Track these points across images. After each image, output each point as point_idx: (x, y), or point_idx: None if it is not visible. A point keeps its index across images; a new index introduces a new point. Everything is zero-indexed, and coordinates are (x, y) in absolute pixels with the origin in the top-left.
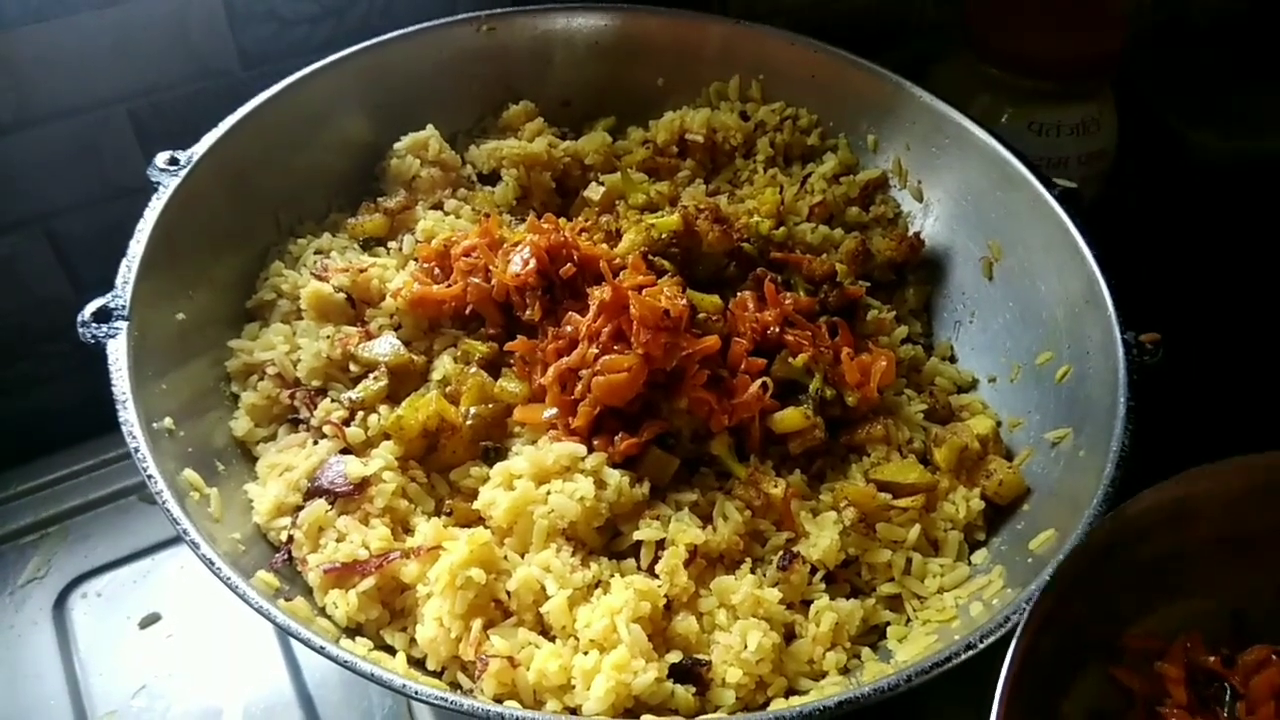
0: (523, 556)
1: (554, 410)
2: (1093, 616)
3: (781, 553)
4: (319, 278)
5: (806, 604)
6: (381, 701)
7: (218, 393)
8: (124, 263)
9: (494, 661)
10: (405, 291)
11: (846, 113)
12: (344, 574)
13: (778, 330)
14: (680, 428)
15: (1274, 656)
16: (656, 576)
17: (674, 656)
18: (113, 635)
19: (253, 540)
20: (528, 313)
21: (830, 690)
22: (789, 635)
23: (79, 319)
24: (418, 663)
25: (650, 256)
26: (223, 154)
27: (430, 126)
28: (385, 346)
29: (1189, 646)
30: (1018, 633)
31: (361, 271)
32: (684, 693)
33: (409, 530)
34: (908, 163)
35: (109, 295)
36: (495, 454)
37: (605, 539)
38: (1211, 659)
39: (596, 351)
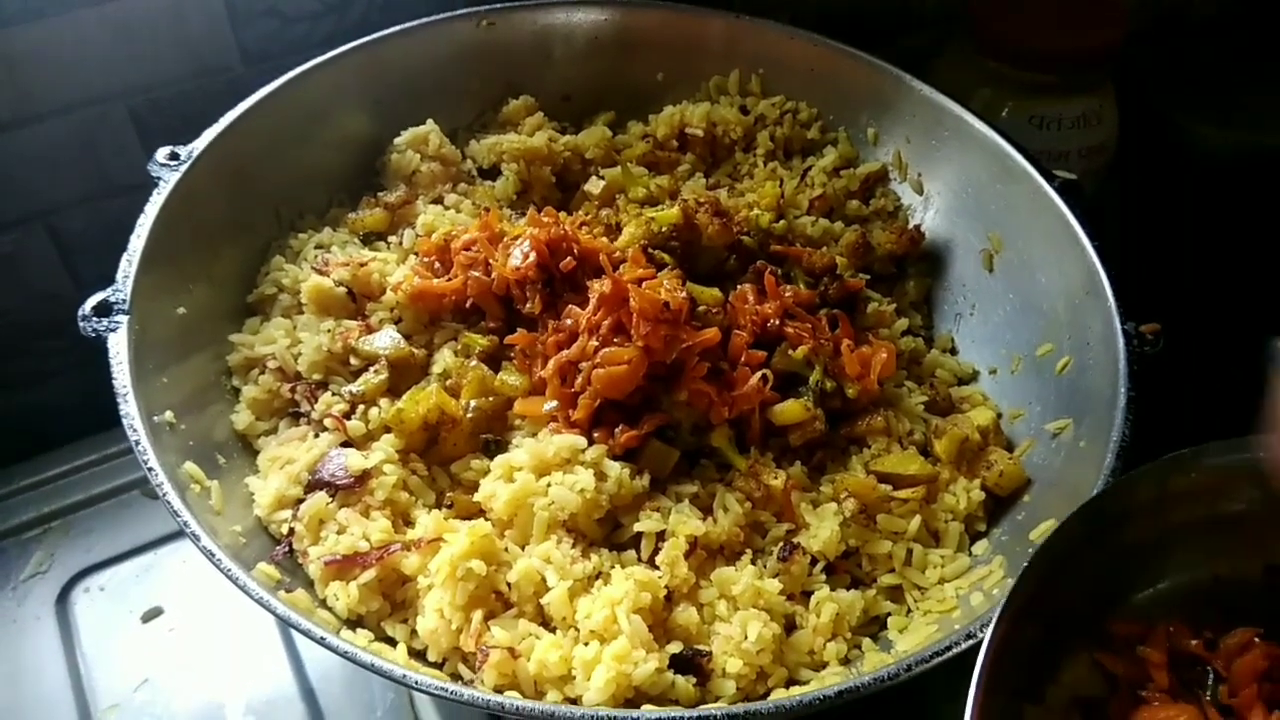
0: (523, 548)
1: (554, 403)
2: (1076, 601)
3: (782, 544)
4: (320, 272)
5: (807, 595)
6: (383, 694)
7: (219, 386)
8: (124, 257)
9: (494, 652)
10: (406, 285)
11: (846, 106)
12: (345, 566)
13: (778, 323)
14: (680, 420)
15: (1256, 640)
16: (657, 568)
17: (674, 647)
18: (115, 629)
19: (254, 533)
20: (528, 306)
21: (831, 680)
22: (789, 626)
23: (80, 313)
24: (418, 654)
25: (650, 250)
26: (223, 149)
27: (430, 121)
28: (386, 340)
29: (1171, 631)
30: (994, 619)
31: (362, 265)
32: (684, 683)
33: (410, 522)
34: (908, 156)
35: (109, 290)
36: (496, 446)
37: (606, 531)
38: (1194, 643)
39: (596, 344)
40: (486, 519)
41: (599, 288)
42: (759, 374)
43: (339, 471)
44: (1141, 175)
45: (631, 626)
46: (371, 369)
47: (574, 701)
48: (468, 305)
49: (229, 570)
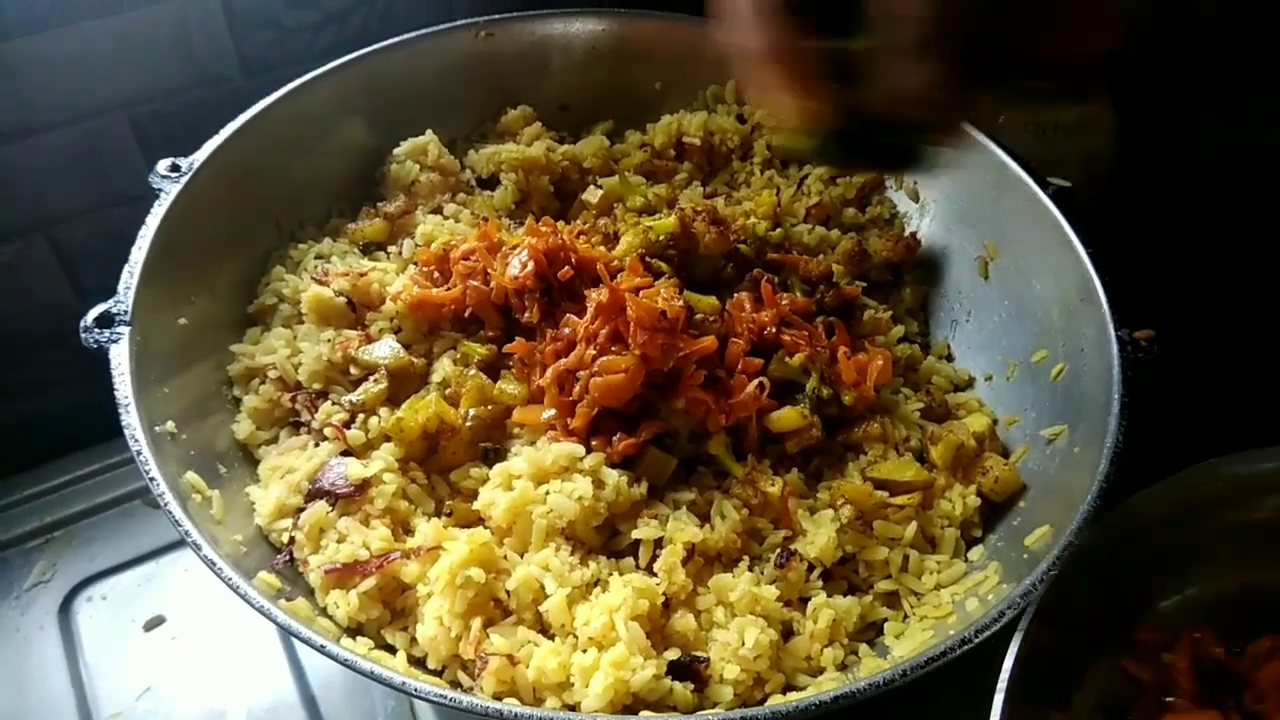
0: (522, 556)
1: (552, 411)
2: (1102, 609)
3: (779, 550)
4: (320, 282)
5: (804, 601)
6: (384, 702)
7: (219, 396)
8: (126, 269)
9: (494, 659)
10: (405, 295)
11: None
12: (345, 574)
13: (774, 330)
14: (678, 428)
15: None
16: (655, 575)
17: (672, 654)
18: (118, 638)
19: (254, 542)
20: (526, 315)
21: (828, 686)
22: (787, 632)
23: (81, 324)
24: (418, 661)
25: (648, 259)
26: (224, 160)
27: (429, 132)
28: (385, 349)
29: (1197, 638)
30: (1021, 627)
31: (362, 276)
32: (682, 689)
33: (409, 531)
34: None
35: (111, 301)
36: (494, 455)
37: (604, 538)
38: (1219, 650)
39: (594, 353)
40: (485, 527)
41: (596, 296)
42: (756, 382)
43: (339, 480)
44: (1140, 181)
45: (629, 633)
46: (371, 378)
47: (573, 708)
48: (466, 315)
49: (230, 579)
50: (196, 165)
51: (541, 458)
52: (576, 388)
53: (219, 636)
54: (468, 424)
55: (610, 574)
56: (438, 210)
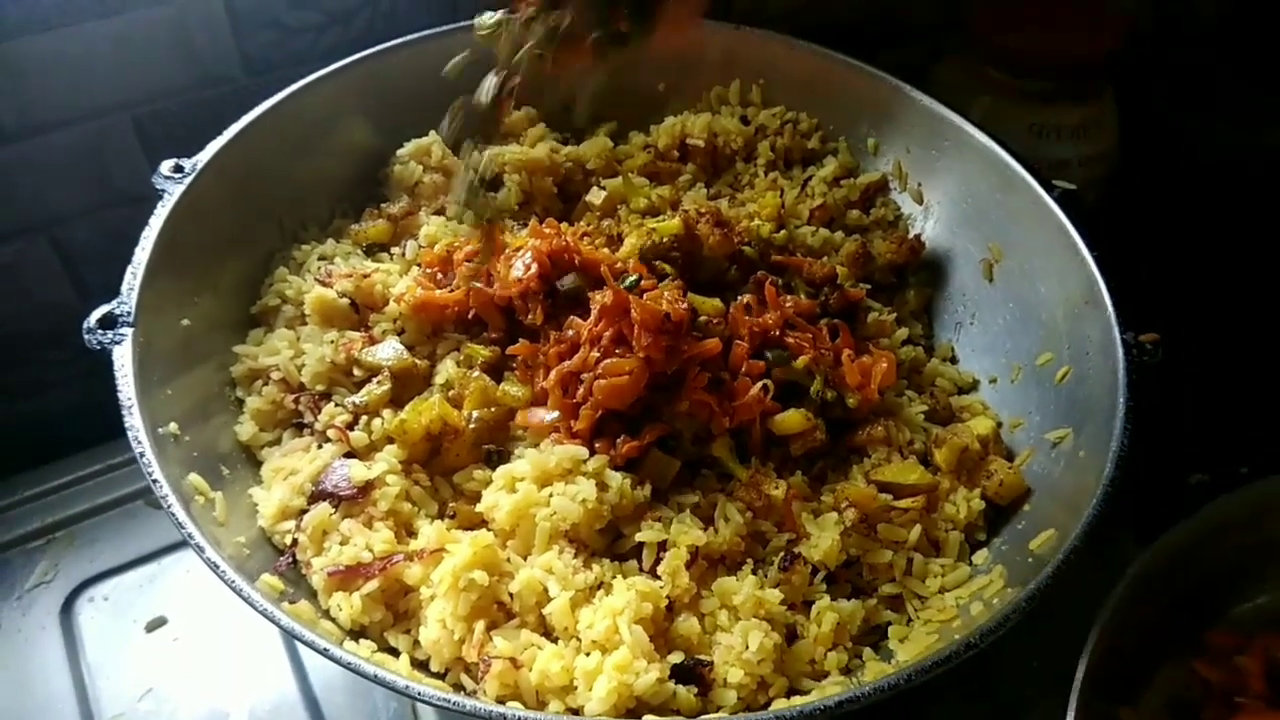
0: (525, 558)
1: (556, 413)
2: (1174, 614)
3: (783, 554)
4: (323, 283)
5: (808, 604)
6: (386, 704)
7: (222, 398)
8: (129, 270)
9: (497, 663)
10: (408, 296)
11: (846, 116)
12: (348, 577)
13: (778, 333)
14: (681, 430)
15: None
16: (658, 578)
17: (676, 657)
18: (119, 639)
19: (257, 544)
20: (529, 317)
21: (831, 690)
22: (790, 636)
23: (84, 325)
24: (421, 664)
25: (652, 260)
26: (227, 161)
27: (433, 133)
28: (388, 351)
29: (1270, 642)
30: (1096, 626)
31: (365, 277)
32: (686, 693)
33: (412, 533)
34: (908, 165)
35: (114, 302)
36: (498, 457)
37: (607, 541)
38: None
39: (598, 355)
40: (489, 529)
41: (600, 298)
42: (760, 384)
43: (342, 482)
44: (1143, 182)
45: (633, 637)
46: (374, 380)
47: (576, 712)
48: (470, 316)
49: (233, 582)
50: (199, 166)
51: (545, 460)
52: (580, 390)
53: (221, 637)
54: (471, 426)
55: (614, 577)
56: (441, 211)
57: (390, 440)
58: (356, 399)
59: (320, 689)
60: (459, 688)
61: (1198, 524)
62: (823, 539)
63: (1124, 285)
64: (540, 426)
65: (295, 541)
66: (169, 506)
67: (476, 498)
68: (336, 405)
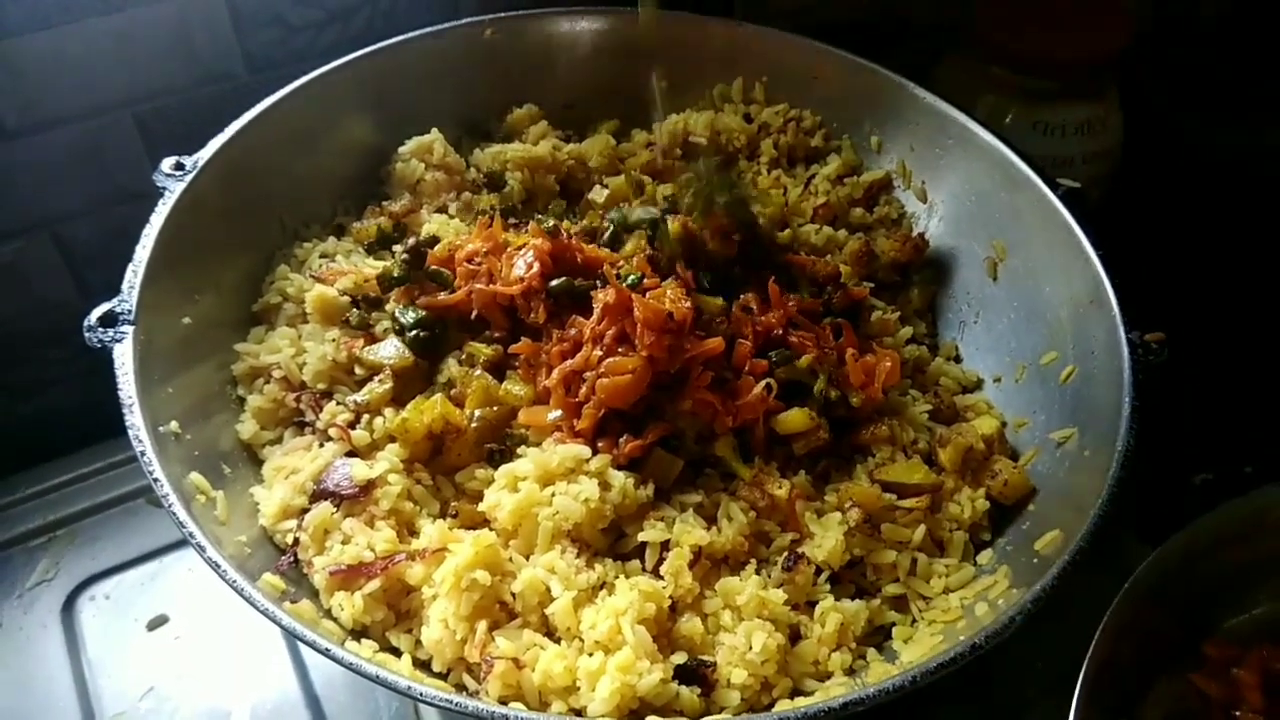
0: (528, 558)
1: (559, 412)
2: (1171, 625)
3: (786, 554)
4: (323, 281)
5: (811, 605)
6: (388, 703)
7: (224, 396)
8: (130, 268)
9: (499, 663)
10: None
11: (850, 114)
12: (349, 576)
13: (782, 332)
14: (684, 429)
15: None
16: (661, 578)
17: (679, 658)
18: (121, 637)
19: (259, 543)
20: (532, 316)
21: (835, 691)
22: (794, 636)
23: (85, 324)
24: (423, 664)
25: (656, 258)
26: (228, 159)
27: (435, 130)
28: (390, 350)
29: (1265, 655)
30: (1095, 640)
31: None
32: (689, 694)
33: (414, 532)
34: (911, 164)
35: (115, 300)
36: (500, 456)
37: (610, 540)
38: None
39: (601, 354)
40: (491, 529)
41: (603, 297)
42: (763, 383)
43: (344, 481)
44: (1147, 181)
45: (636, 637)
46: (376, 378)
47: (579, 712)
48: (473, 315)
49: (234, 581)
50: (200, 163)
51: (547, 459)
52: (583, 389)
53: (222, 636)
54: (473, 425)
55: (616, 577)
56: (443, 209)
57: (392, 439)
58: (358, 397)
59: (322, 688)
60: (461, 688)
61: (1194, 536)
62: (826, 539)
63: (1129, 284)
64: (543, 425)
65: (297, 541)
66: (170, 505)
67: (478, 497)
68: (338, 404)
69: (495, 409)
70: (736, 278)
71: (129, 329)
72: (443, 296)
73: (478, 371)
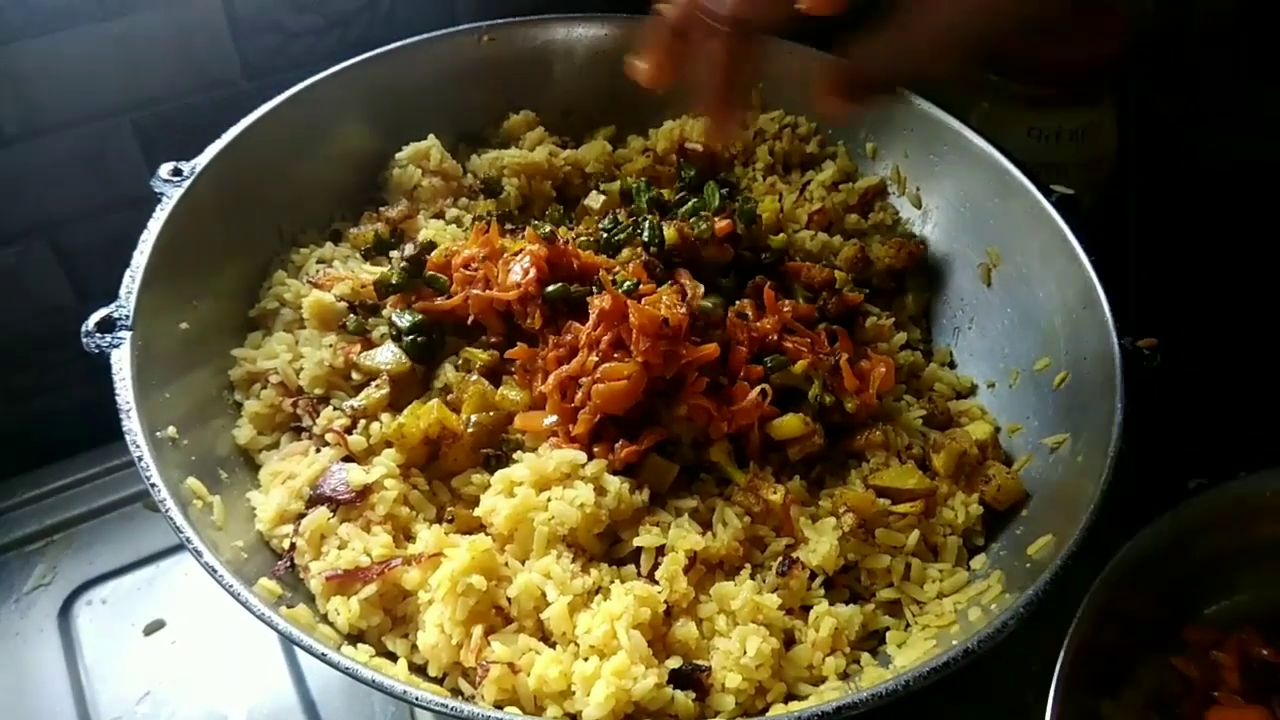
0: (523, 563)
1: (554, 418)
2: (1153, 610)
3: (781, 558)
4: (320, 286)
5: (806, 609)
6: (384, 708)
7: (221, 401)
8: (127, 273)
9: (495, 668)
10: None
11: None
12: (346, 581)
13: (777, 337)
14: (680, 435)
15: None
16: (656, 583)
17: (674, 662)
18: (117, 642)
19: (255, 548)
20: (528, 321)
21: (829, 696)
22: (788, 641)
23: (83, 329)
24: (419, 669)
25: (653, 264)
26: (226, 165)
27: (432, 136)
28: (387, 355)
29: (1245, 638)
30: (1075, 621)
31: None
32: (684, 698)
33: (410, 537)
34: (906, 170)
35: (113, 305)
36: (496, 461)
37: (605, 545)
38: (1266, 651)
39: (596, 359)
40: (487, 534)
41: (599, 303)
42: (758, 389)
43: (340, 486)
44: (1141, 188)
45: (631, 642)
46: (373, 384)
47: (574, 717)
48: (469, 321)
49: (231, 586)
50: (198, 169)
51: (543, 464)
52: (578, 394)
53: (219, 641)
54: (469, 430)
55: (612, 582)
56: (440, 215)
57: (388, 444)
58: (355, 403)
59: (318, 693)
60: (457, 692)
61: (1176, 522)
62: (821, 544)
63: (1122, 290)
64: (539, 431)
65: (293, 545)
66: (167, 510)
67: (475, 502)
68: (335, 409)
69: (491, 414)
70: (731, 283)
71: (126, 334)
72: (439, 302)
73: (474, 377)
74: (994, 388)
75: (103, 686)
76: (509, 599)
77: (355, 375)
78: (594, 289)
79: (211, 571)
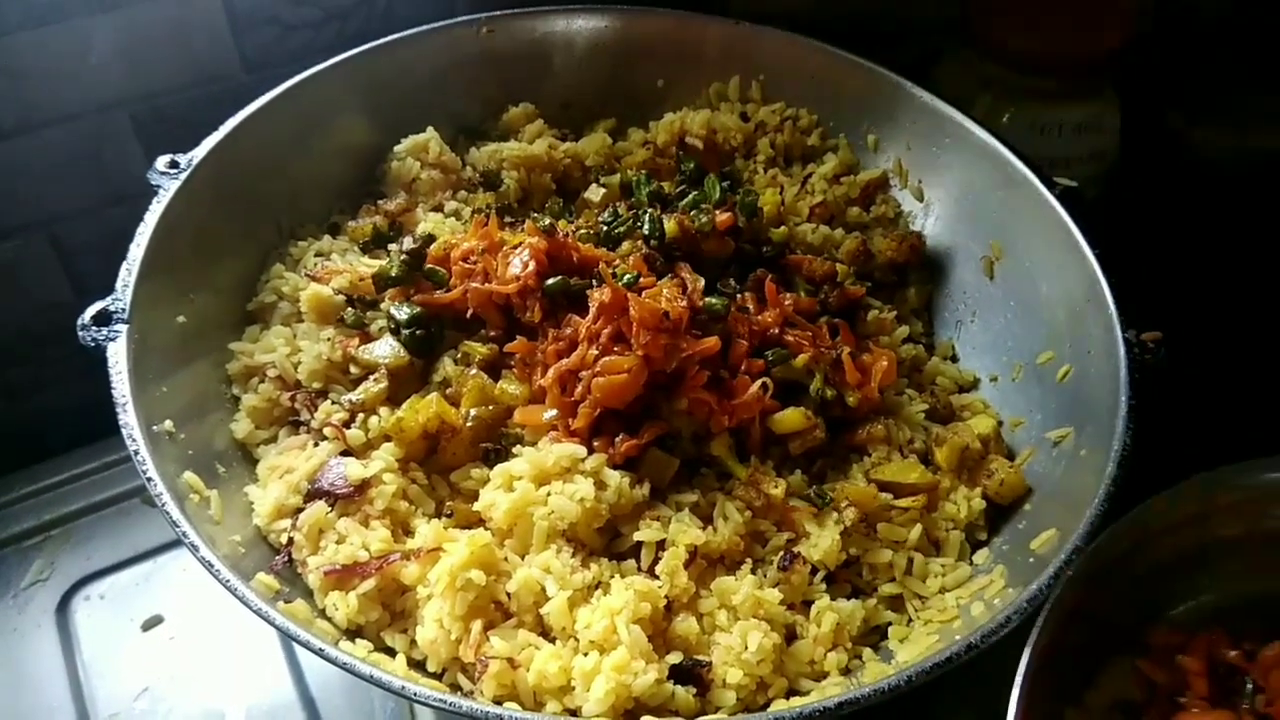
0: (523, 558)
1: (554, 412)
2: (1118, 611)
3: (782, 553)
4: (318, 280)
5: (807, 604)
6: (384, 704)
7: (218, 395)
8: (124, 266)
9: (494, 663)
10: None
11: (847, 113)
12: (344, 576)
13: (778, 331)
14: (680, 429)
15: None
16: (657, 577)
17: (674, 658)
18: (115, 638)
19: (253, 543)
20: (528, 315)
21: (831, 691)
22: (790, 636)
23: (79, 322)
24: (418, 664)
25: (653, 257)
26: (223, 157)
27: (430, 129)
28: (385, 349)
29: (1211, 641)
30: (1038, 625)
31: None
32: (684, 694)
33: (409, 532)
34: (908, 163)
35: (109, 299)
36: (495, 455)
37: (605, 540)
38: (1233, 653)
39: (596, 353)
40: (486, 528)
41: (599, 296)
42: (759, 382)
43: (338, 480)
44: (1145, 181)
45: (631, 637)
46: (371, 378)
47: (574, 712)
48: (468, 314)
49: (227, 581)
50: (195, 162)
51: (543, 459)
52: (578, 388)
53: (218, 636)
54: (468, 424)
55: (612, 576)
56: (439, 208)
57: (387, 438)
58: (353, 396)
59: (317, 689)
60: (456, 688)
61: (1141, 520)
62: (822, 538)
63: (1126, 283)
64: (538, 425)
65: (291, 540)
66: (163, 504)
67: (474, 496)
68: (333, 403)
69: (491, 408)
70: (733, 277)
71: (123, 328)
72: (438, 295)
73: (473, 371)
74: (996, 381)
75: (100, 682)
76: (508, 594)
77: (353, 369)
78: (594, 282)
79: (208, 566)
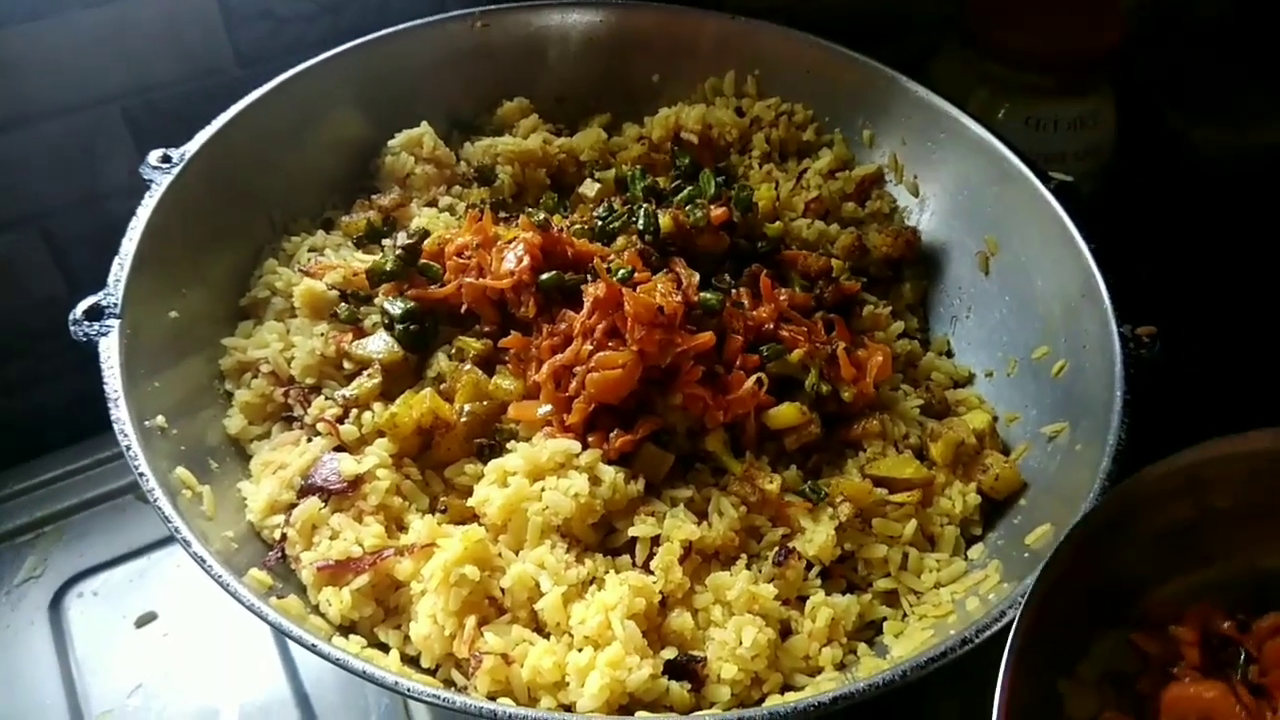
0: (517, 553)
1: (549, 407)
2: (1109, 582)
3: (777, 548)
4: (311, 275)
5: (802, 600)
6: (378, 700)
7: (211, 391)
8: (116, 261)
9: (488, 658)
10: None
11: (842, 108)
12: (338, 571)
13: (773, 326)
14: (675, 424)
15: None
16: (651, 573)
17: (669, 653)
18: (109, 634)
19: (246, 538)
20: (522, 310)
21: (826, 686)
22: (785, 631)
23: (71, 318)
24: (412, 660)
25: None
26: (216, 152)
27: (425, 123)
28: (379, 344)
29: (1204, 612)
30: (1026, 595)
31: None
32: (679, 689)
33: (403, 527)
34: (904, 158)
35: (101, 293)
36: (490, 451)
37: (600, 535)
38: (1226, 624)
39: (591, 348)
40: (480, 524)
41: (593, 291)
42: (754, 377)
43: (332, 476)
44: (1139, 177)
45: (625, 632)
46: (365, 373)
47: (568, 708)
48: (462, 309)
49: (220, 577)
50: (188, 156)
51: (537, 454)
52: (573, 383)
53: (211, 633)
54: (463, 419)
55: (606, 572)
56: (433, 203)
57: (381, 434)
58: (347, 392)
59: (311, 685)
60: (450, 684)
61: (1133, 490)
62: (817, 534)
63: (1121, 278)
64: (533, 420)
65: (284, 536)
66: (155, 500)
67: (468, 492)
68: (326, 398)
69: (485, 404)
70: (728, 272)
71: (115, 323)
72: (432, 290)
73: (467, 366)
74: (992, 376)
75: (94, 679)
76: (502, 589)
77: (347, 364)
78: (589, 277)
79: (200, 562)
